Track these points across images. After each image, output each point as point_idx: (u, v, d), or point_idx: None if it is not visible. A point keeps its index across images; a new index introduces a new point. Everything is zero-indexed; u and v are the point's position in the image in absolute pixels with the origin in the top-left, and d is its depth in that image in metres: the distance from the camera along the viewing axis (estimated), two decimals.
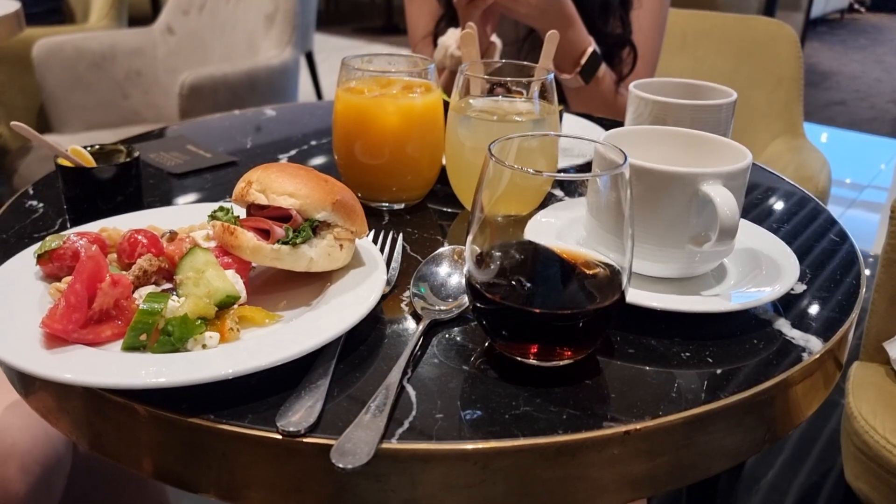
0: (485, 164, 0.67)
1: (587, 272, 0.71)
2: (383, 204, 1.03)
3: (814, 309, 0.81)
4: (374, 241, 0.89)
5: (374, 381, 0.66)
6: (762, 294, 0.77)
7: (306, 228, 0.73)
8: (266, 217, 0.74)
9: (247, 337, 0.70)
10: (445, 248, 0.83)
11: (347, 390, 0.66)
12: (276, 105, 1.57)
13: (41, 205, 1.02)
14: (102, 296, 0.67)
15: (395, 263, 0.85)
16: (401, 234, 0.93)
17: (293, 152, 1.27)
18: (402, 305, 0.78)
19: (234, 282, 0.72)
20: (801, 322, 0.78)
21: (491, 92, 1.01)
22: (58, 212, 0.99)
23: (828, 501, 2.06)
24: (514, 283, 0.69)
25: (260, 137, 1.37)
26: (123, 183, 0.98)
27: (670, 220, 0.77)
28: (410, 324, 0.75)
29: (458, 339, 0.74)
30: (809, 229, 1.01)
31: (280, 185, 0.74)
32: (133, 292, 0.72)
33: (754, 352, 0.73)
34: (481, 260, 0.69)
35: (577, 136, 0.77)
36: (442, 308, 0.75)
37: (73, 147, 0.98)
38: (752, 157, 0.80)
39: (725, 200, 0.74)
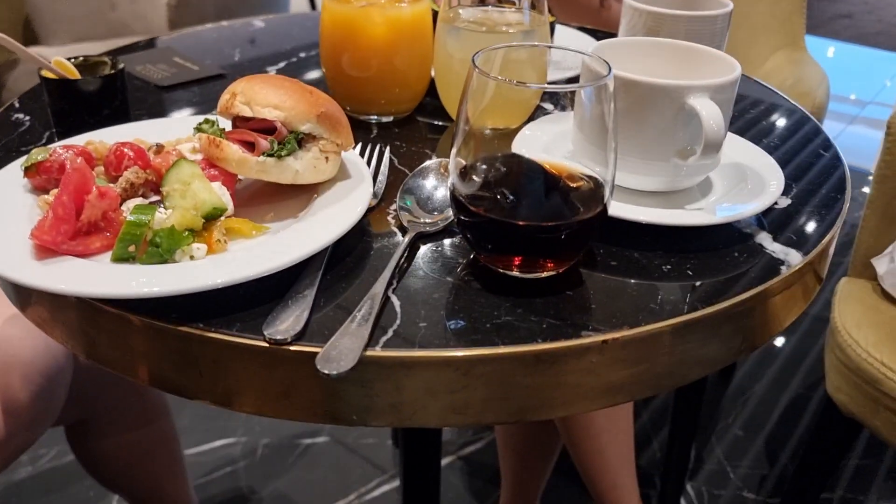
0: (469, 75, 0.66)
1: (571, 185, 0.71)
2: (372, 117, 1.03)
3: (796, 223, 0.82)
4: (361, 154, 0.89)
5: (359, 292, 0.67)
6: (745, 208, 0.78)
7: (291, 141, 0.73)
8: (251, 129, 0.74)
9: (234, 248, 0.71)
10: (432, 161, 0.83)
11: (334, 300, 0.67)
12: (266, 16, 1.54)
13: (28, 118, 1.01)
14: (90, 208, 0.68)
15: (382, 177, 0.85)
16: (388, 148, 0.93)
17: (282, 65, 1.25)
18: (389, 218, 0.79)
19: (220, 194, 0.72)
20: (783, 236, 0.79)
21: (482, 3, 0.99)
22: (44, 125, 0.99)
23: (813, 414, 2.13)
24: (497, 195, 0.69)
25: (249, 50, 1.34)
26: (109, 95, 0.97)
27: (656, 133, 0.77)
28: (396, 236, 0.76)
29: (443, 251, 0.75)
30: (799, 145, 1.01)
31: (264, 96, 0.73)
32: (121, 205, 0.73)
33: (735, 264, 0.74)
34: (465, 173, 0.69)
35: (563, 48, 0.76)
36: (427, 221, 0.76)
37: (57, 59, 0.96)
38: (740, 70, 0.79)
39: (711, 114, 0.74)
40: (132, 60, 1.23)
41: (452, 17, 0.95)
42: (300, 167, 0.74)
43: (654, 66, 0.87)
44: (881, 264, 1.47)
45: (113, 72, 0.97)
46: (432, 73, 1.02)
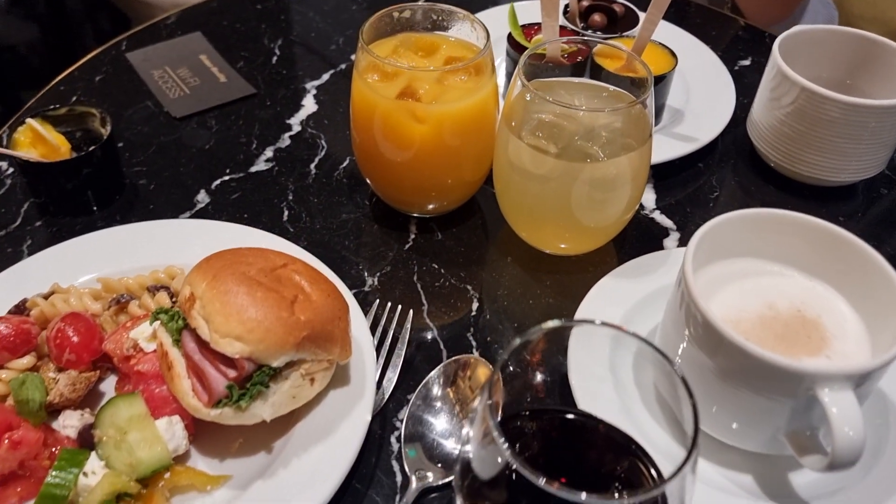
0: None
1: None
2: (413, 213, 0.82)
3: None
4: (375, 328, 0.70)
5: None
6: None
7: (258, 382, 0.55)
8: (213, 352, 0.56)
9: None
10: (442, 376, 0.64)
11: None
12: None
13: None
14: (1, 462, 0.54)
15: (392, 374, 0.66)
16: (409, 323, 0.70)
17: (326, 77, 1.02)
18: (392, 460, 0.61)
19: (168, 436, 0.56)
20: None
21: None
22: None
23: None
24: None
25: (291, 43, 1.11)
26: (90, 179, 0.79)
27: (763, 410, 0.55)
28: (395, 476, 0.59)
29: None
30: None
31: (225, 322, 0.54)
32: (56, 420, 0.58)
33: None
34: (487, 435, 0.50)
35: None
36: (434, 475, 0.58)
37: (30, 123, 0.79)
38: None
39: (847, 417, 0.50)
40: (148, 58, 1.03)
41: (518, 118, 0.70)
42: (271, 409, 0.56)
43: (768, 247, 0.63)
44: None
45: (92, 149, 0.78)
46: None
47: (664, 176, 0.88)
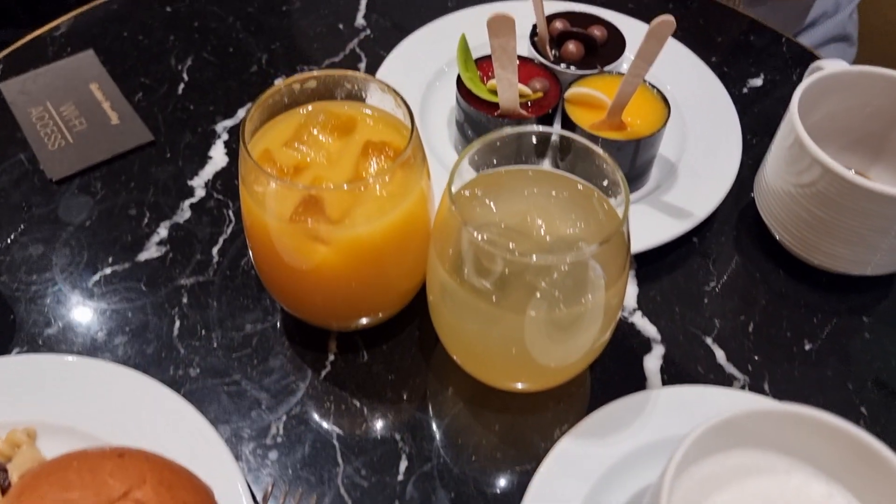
0: None
1: None
2: (331, 325, 0.66)
3: None
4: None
5: None
6: None
7: None
8: None
9: None
10: None
11: None
12: None
13: None
14: None
15: None
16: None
17: (241, 113, 0.83)
18: None
19: None
20: None
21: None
22: None
23: None
24: None
25: (203, 64, 0.91)
26: None
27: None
28: None
29: None
30: None
31: None
32: None
33: None
34: None
35: None
36: None
37: None
38: None
39: None
40: (26, 90, 0.84)
41: (451, 244, 0.52)
42: None
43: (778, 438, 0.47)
44: None
45: None
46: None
47: (648, 260, 0.72)
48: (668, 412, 0.59)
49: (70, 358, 0.61)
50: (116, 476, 0.46)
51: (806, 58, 0.92)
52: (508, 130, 0.54)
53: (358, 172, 0.56)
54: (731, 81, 0.88)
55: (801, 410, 0.48)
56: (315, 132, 0.58)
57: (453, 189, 0.50)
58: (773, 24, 0.96)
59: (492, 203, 0.56)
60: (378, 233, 0.54)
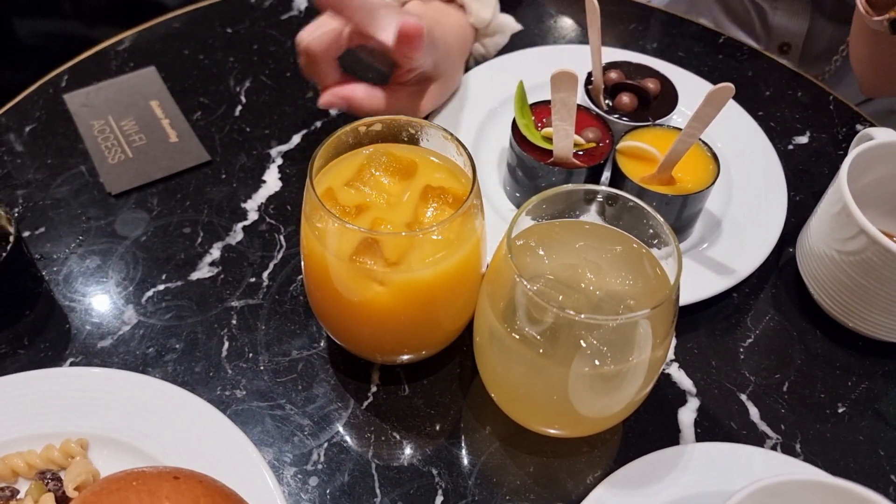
0: None
1: None
2: (376, 357, 0.67)
3: None
4: None
5: None
6: None
7: None
8: None
9: None
10: None
11: None
12: None
13: None
14: None
15: None
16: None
17: (296, 140, 0.85)
18: None
19: None
20: None
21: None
22: None
23: None
24: None
25: (260, 87, 0.94)
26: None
27: None
28: None
29: None
30: None
31: None
32: None
33: None
34: None
35: None
36: None
37: None
38: None
39: None
40: (89, 102, 0.87)
41: (504, 295, 0.54)
42: None
43: None
44: None
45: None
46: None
47: (687, 312, 0.73)
48: (701, 468, 0.61)
49: (122, 373, 0.63)
50: (173, 499, 0.48)
51: (852, 116, 0.93)
52: (569, 187, 0.56)
53: (416, 215, 0.58)
54: (777, 136, 0.89)
55: (837, 483, 0.49)
56: (377, 173, 0.60)
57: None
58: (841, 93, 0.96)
59: (544, 254, 0.58)
60: (432, 277, 0.56)
